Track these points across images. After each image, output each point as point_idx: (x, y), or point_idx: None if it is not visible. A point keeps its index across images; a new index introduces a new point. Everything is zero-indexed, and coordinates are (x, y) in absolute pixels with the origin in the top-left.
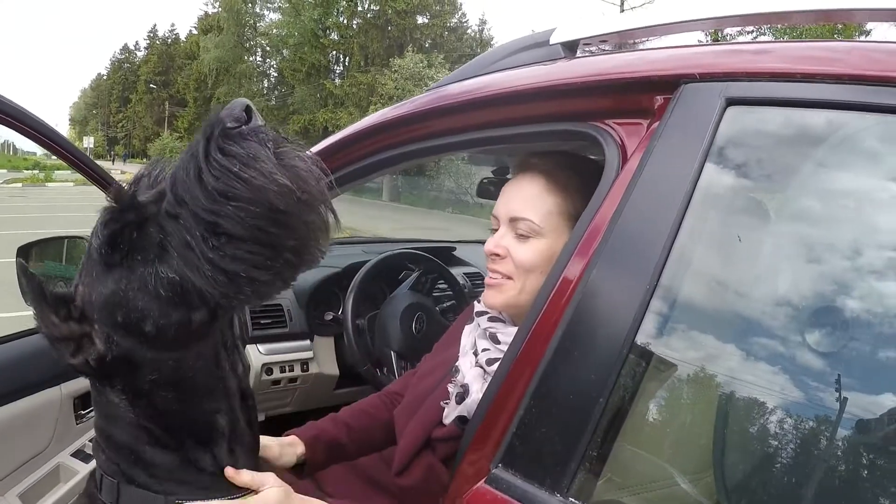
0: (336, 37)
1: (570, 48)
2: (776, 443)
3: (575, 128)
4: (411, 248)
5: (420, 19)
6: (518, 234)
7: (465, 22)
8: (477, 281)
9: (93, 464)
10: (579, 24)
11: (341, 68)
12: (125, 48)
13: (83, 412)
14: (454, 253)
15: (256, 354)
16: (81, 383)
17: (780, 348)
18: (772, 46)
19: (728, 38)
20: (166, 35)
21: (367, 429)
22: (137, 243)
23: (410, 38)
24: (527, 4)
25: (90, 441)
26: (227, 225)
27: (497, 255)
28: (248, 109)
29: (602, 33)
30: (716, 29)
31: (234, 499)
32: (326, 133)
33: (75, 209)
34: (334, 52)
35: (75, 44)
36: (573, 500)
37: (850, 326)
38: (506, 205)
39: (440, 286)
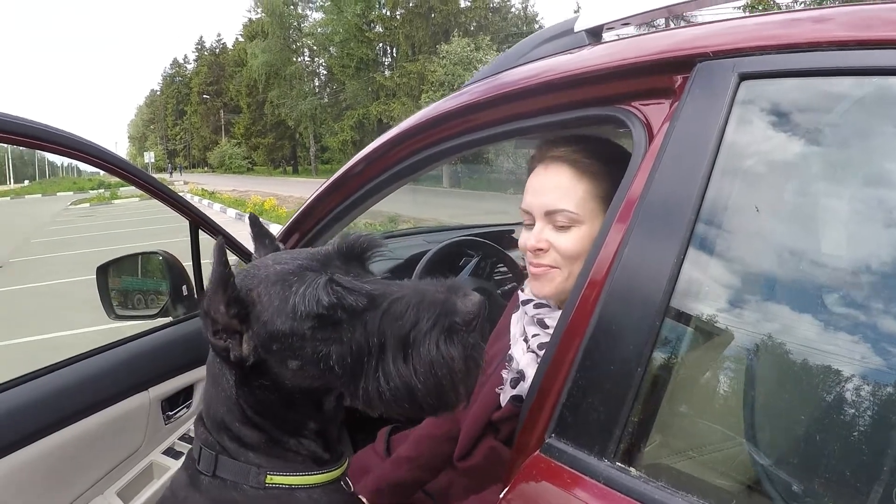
0: (381, 29)
1: (595, 34)
2: (807, 400)
3: (603, 112)
4: (470, 234)
5: (463, 3)
6: (557, 226)
7: (508, 1)
8: None
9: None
10: (601, 11)
11: (389, 60)
12: (175, 62)
13: (171, 413)
14: (513, 235)
15: None
16: (166, 387)
17: (802, 306)
18: (776, 18)
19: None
20: (214, 45)
21: (432, 452)
22: (333, 320)
23: (455, 22)
24: None
25: (179, 439)
26: (401, 392)
27: (540, 249)
28: (481, 308)
29: (623, 17)
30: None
31: (317, 474)
32: (381, 125)
33: (141, 223)
34: (381, 45)
35: (126, 64)
36: (619, 464)
37: (864, 286)
38: (538, 199)
39: (500, 269)
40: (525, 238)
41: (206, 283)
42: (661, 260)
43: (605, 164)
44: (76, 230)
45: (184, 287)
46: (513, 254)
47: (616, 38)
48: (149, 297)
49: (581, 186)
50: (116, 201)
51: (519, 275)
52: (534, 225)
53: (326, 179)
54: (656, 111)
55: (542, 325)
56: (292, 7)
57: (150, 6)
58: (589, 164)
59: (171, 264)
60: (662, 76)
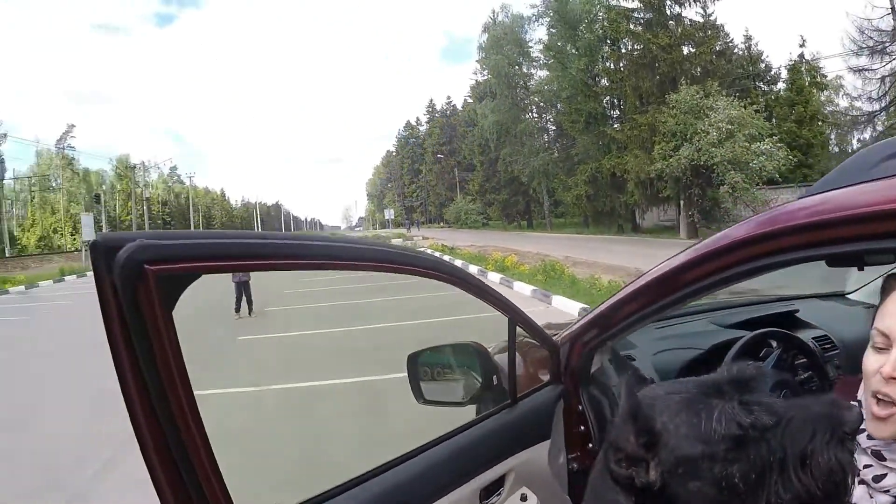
0: (606, 82)
1: None
2: None
3: None
4: (757, 314)
5: (686, 50)
6: None
7: (731, 42)
8: (826, 345)
9: None
10: None
11: (618, 112)
12: (408, 125)
13: (486, 501)
14: (796, 314)
15: None
16: (485, 478)
17: None
18: None
19: None
20: (444, 107)
21: None
22: (747, 439)
23: (680, 70)
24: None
25: None
26: (801, 500)
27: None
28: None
29: None
30: None
31: None
32: (614, 178)
33: (378, 278)
34: (608, 98)
35: (364, 125)
36: None
37: None
38: None
39: (800, 359)
40: (878, 362)
41: (517, 375)
42: None
43: None
44: (322, 283)
45: (494, 377)
46: (802, 335)
47: None
48: (456, 385)
49: None
50: None
51: (815, 362)
52: (887, 349)
53: (627, 284)
54: None
55: (878, 456)
56: (517, 67)
57: (380, 74)
58: None
59: (483, 355)
60: None
